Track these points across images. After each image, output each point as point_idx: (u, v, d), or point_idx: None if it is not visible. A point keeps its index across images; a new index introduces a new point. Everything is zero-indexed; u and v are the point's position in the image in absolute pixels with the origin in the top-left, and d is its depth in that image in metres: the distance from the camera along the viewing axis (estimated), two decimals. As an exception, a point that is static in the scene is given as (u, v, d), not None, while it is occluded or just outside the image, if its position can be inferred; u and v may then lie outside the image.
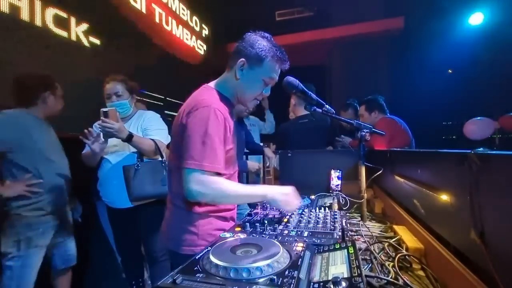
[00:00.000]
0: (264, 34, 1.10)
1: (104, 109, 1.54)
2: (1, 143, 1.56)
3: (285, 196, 1.04)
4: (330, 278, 0.59)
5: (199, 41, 4.57)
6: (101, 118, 1.53)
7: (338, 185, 1.74)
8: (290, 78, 1.22)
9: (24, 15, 1.97)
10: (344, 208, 1.38)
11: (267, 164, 2.41)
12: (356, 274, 0.57)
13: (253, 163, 2.36)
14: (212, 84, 1.16)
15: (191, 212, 1.08)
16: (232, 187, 1.03)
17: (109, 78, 1.82)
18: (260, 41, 1.07)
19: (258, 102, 1.16)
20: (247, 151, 2.64)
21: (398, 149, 1.93)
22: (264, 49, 1.06)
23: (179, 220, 1.11)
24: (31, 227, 1.64)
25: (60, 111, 1.84)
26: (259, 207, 1.35)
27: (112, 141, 1.71)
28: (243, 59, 1.06)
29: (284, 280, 0.58)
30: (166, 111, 3.47)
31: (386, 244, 0.95)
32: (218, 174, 1.01)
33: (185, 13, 4.19)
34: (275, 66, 1.08)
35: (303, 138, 2.43)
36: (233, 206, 1.22)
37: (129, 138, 1.61)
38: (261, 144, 3.22)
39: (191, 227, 1.07)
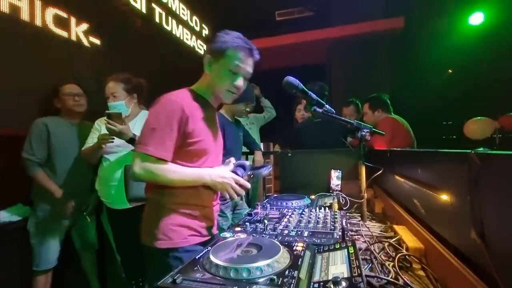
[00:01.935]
0: (229, 32, 1.13)
1: (108, 111, 1.65)
2: (36, 151, 1.82)
3: (223, 179, 1.06)
4: (330, 278, 0.59)
5: (199, 41, 4.57)
6: (105, 119, 1.62)
7: (338, 185, 1.74)
8: (291, 78, 1.21)
9: (24, 15, 1.97)
10: (344, 208, 1.38)
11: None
12: (356, 274, 0.57)
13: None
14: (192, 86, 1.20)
15: (155, 204, 1.11)
16: (172, 170, 1.03)
17: (109, 77, 1.84)
18: (222, 36, 1.11)
19: (234, 94, 1.15)
20: (248, 151, 2.64)
21: (398, 149, 1.93)
22: (224, 40, 1.09)
23: (147, 212, 1.14)
24: (46, 213, 1.86)
25: (79, 106, 1.98)
26: (259, 207, 1.36)
27: (115, 141, 1.72)
28: (208, 55, 1.12)
29: (284, 280, 0.58)
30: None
31: (386, 244, 0.95)
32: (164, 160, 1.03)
33: (185, 13, 4.18)
34: (238, 54, 1.09)
35: (319, 137, 2.40)
36: (207, 202, 1.17)
37: (131, 140, 1.63)
38: (261, 144, 3.21)
39: (154, 219, 1.09)
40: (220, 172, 1.09)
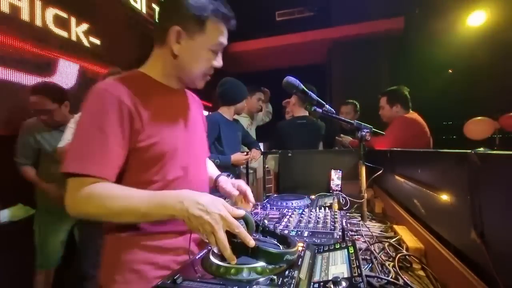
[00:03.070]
0: None
1: None
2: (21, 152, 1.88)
3: (204, 213, 0.64)
4: (330, 278, 0.59)
5: (199, 41, 4.58)
6: None
7: (338, 185, 1.74)
8: (291, 78, 1.22)
9: (24, 15, 1.97)
10: (344, 208, 1.38)
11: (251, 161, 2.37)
12: (356, 274, 0.57)
13: (239, 156, 2.18)
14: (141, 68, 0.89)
15: (111, 235, 0.81)
16: (116, 195, 0.69)
17: (106, 73, 1.96)
18: None
19: (209, 78, 0.91)
20: (248, 151, 2.64)
21: (399, 149, 1.93)
22: (202, 6, 0.77)
23: (104, 245, 0.83)
24: (49, 213, 1.90)
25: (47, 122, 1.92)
26: (259, 207, 1.35)
27: None
28: (178, 27, 0.78)
29: (284, 280, 0.58)
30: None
31: (386, 244, 0.95)
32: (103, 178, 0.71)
33: (185, 13, 4.20)
34: (221, 27, 0.81)
35: (298, 138, 2.43)
36: (178, 227, 0.82)
37: None
38: (259, 143, 3.22)
39: (109, 255, 0.81)
40: (203, 199, 0.66)
